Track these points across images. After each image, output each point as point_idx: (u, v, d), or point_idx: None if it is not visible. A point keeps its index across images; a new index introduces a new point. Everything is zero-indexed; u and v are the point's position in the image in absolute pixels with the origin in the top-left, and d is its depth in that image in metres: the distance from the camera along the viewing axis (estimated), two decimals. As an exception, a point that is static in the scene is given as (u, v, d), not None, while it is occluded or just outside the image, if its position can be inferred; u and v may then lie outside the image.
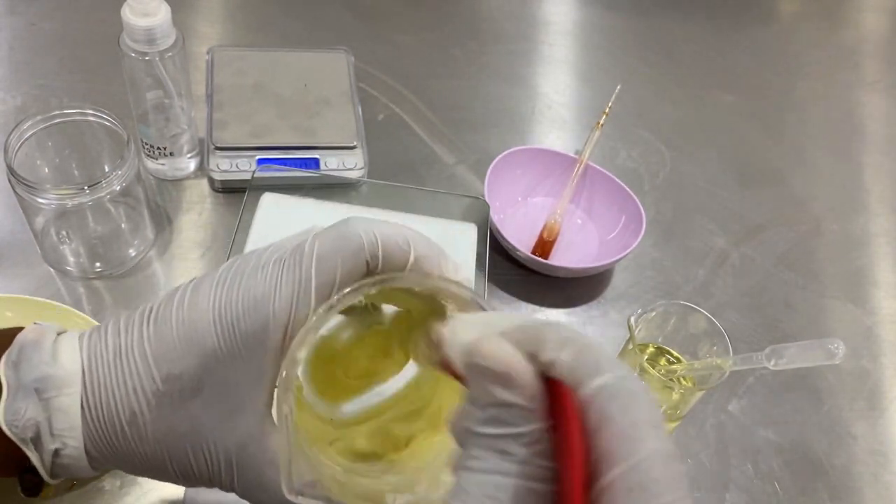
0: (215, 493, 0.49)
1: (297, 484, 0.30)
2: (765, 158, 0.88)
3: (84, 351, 0.33)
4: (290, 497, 0.30)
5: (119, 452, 0.33)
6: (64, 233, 0.62)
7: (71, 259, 0.64)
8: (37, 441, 0.32)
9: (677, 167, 0.84)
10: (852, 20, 1.13)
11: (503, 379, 0.23)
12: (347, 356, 0.38)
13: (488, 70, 0.91)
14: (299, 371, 0.34)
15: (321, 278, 0.32)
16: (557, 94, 0.90)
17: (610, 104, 0.80)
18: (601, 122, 0.79)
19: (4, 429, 0.31)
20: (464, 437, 0.25)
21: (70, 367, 0.32)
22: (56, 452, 0.32)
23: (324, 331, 0.37)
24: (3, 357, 0.33)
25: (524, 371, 0.23)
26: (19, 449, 0.32)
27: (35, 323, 0.34)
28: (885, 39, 1.11)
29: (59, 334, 0.34)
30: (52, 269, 0.64)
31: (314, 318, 0.32)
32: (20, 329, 0.34)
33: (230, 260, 0.34)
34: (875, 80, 1.03)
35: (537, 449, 0.23)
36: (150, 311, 0.33)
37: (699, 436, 0.63)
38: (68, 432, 0.32)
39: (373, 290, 0.32)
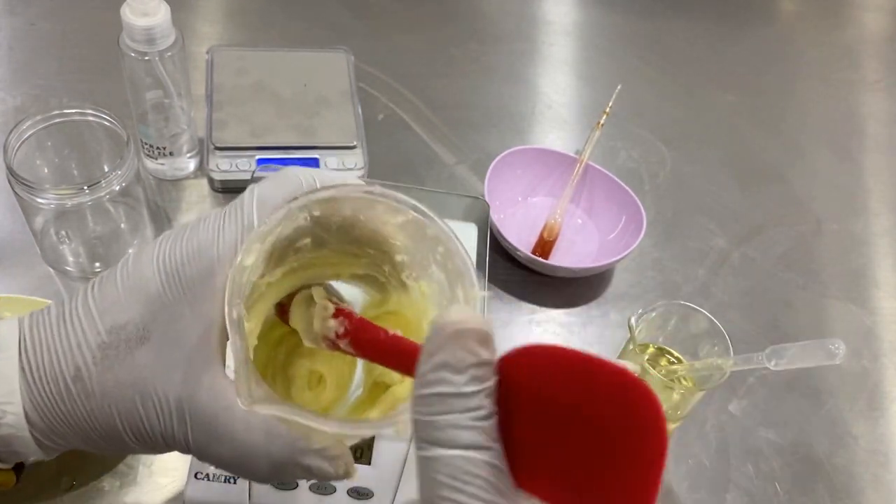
0: (216, 493, 0.49)
1: (255, 393, 0.29)
2: (765, 158, 0.88)
3: (25, 321, 0.32)
4: (246, 405, 0.29)
5: (65, 416, 0.31)
6: (63, 233, 0.62)
7: (70, 259, 0.64)
8: None
9: (677, 167, 0.84)
10: (852, 20, 1.13)
11: (485, 338, 0.25)
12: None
13: (488, 70, 0.91)
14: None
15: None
16: (557, 94, 0.90)
17: (610, 104, 0.80)
18: (601, 121, 0.79)
19: None
20: (428, 404, 0.25)
21: (5, 333, 0.31)
22: None
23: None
24: None
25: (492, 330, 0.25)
26: None
27: None
28: (885, 39, 1.11)
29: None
30: (51, 269, 0.64)
31: (261, 228, 0.32)
32: None
33: None
34: (875, 80, 1.03)
35: (493, 398, 0.25)
36: (95, 280, 0.33)
37: (700, 436, 0.63)
38: (6, 397, 0.31)
39: (316, 203, 0.33)
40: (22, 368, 0.31)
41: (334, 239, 0.37)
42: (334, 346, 0.35)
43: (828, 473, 0.62)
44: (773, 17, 1.11)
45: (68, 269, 0.64)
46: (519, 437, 0.24)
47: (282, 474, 0.33)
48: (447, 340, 0.24)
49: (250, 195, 0.33)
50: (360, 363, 0.42)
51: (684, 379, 0.59)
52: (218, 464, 0.33)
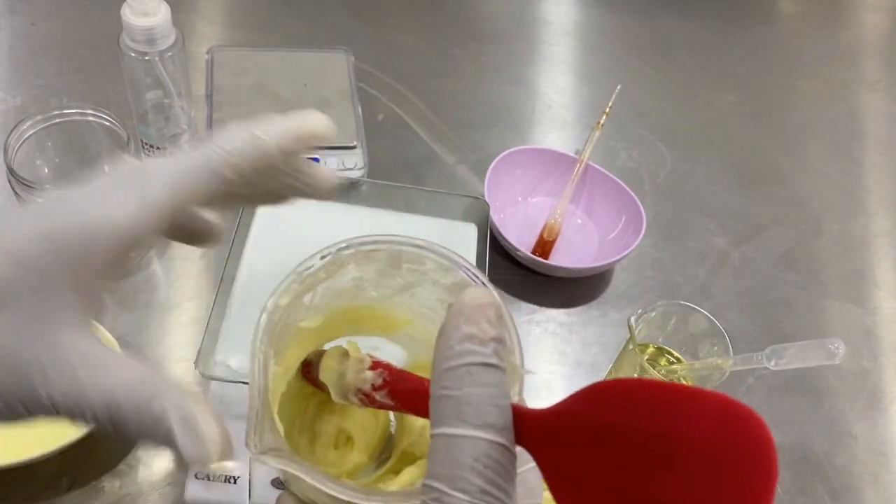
0: (216, 493, 0.49)
1: (265, 442, 0.29)
2: (765, 158, 0.88)
3: None
4: (252, 453, 0.28)
5: None
6: (64, 233, 0.62)
7: (71, 259, 0.64)
8: None
9: (677, 167, 0.84)
10: (852, 20, 1.13)
11: (501, 315, 0.26)
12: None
13: (488, 70, 0.91)
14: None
15: (159, 190, 0.30)
16: (557, 94, 0.90)
17: (610, 104, 0.80)
18: (601, 122, 0.79)
19: None
20: (453, 380, 0.25)
21: None
22: None
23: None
24: None
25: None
26: None
27: None
28: (885, 39, 1.11)
29: None
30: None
31: (302, 269, 0.32)
32: None
33: None
34: (875, 80, 1.03)
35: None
36: None
37: (699, 436, 0.63)
38: None
39: (363, 253, 0.33)
40: None
41: (376, 289, 0.37)
42: (369, 399, 0.34)
43: (827, 473, 0.63)
44: (773, 17, 1.11)
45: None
46: (580, 470, 0.23)
47: (142, 428, 0.29)
48: (473, 312, 0.25)
49: (162, 170, 0.30)
50: (392, 428, 0.41)
51: (684, 379, 0.59)
52: (88, 420, 0.30)
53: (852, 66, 1.04)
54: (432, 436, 0.25)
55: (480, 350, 0.25)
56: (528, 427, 0.25)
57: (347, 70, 0.80)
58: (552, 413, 0.25)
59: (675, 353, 0.61)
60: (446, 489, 0.23)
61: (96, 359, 0.29)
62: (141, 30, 0.60)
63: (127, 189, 0.30)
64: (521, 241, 0.72)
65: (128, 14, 0.60)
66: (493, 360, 0.25)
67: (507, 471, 0.24)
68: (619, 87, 0.81)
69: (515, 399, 0.27)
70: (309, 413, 0.39)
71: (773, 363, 0.53)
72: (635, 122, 0.88)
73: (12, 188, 0.57)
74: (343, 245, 0.33)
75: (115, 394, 0.28)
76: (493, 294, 0.26)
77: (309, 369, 0.37)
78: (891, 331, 0.73)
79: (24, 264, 0.29)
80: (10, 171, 0.55)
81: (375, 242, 0.34)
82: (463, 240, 0.67)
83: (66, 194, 0.30)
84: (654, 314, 0.58)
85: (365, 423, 0.40)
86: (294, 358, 0.37)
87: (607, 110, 0.80)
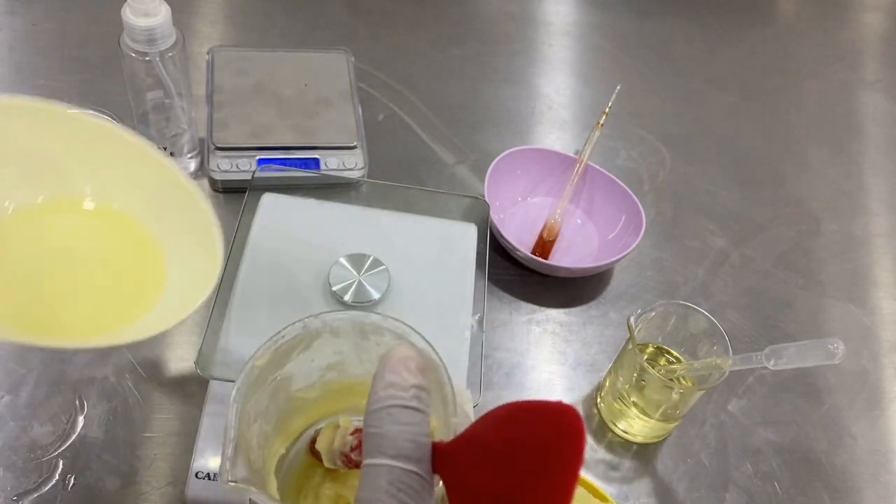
0: (216, 493, 0.49)
1: (237, 473, 0.33)
2: (765, 158, 0.88)
3: None
4: (224, 484, 0.33)
5: None
6: (64, 233, 0.62)
7: (71, 259, 0.64)
8: None
9: (677, 167, 0.85)
10: (852, 20, 1.13)
11: (423, 368, 0.31)
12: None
13: (488, 70, 0.91)
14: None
15: None
16: (557, 95, 0.90)
17: (610, 104, 0.80)
18: (601, 122, 0.79)
19: None
20: (380, 422, 0.30)
21: None
22: None
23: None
24: None
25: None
26: None
27: None
28: (885, 39, 1.11)
29: None
30: (52, 269, 0.64)
31: (276, 337, 0.38)
32: None
33: None
34: (875, 80, 1.03)
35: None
36: None
37: (699, 436, 0.63)
38: None
39: (334, 321, 0.40)
40: None
41: (361, 363, 0.42)
42: (348, 460, 0.39)
43: (827, 473, 0.63)
44: (773, 17, 1.11)
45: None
46: (470, 483, 0.29)
47: None
48: (395, 365, 0.30)
49: None
50: None
51: (683, 378, 0.59)
52: None
53: (852, 66, 1.04)
54: (362, 466, 0.30)
55: (401, 395, 0.30)
56: (441, 457, 0.30)
57: (347, 70, 0.80)
58: (457, 441, 0.30)
59: (675, 353, 0.61)
60: None
61: None
62: (141, 30, 0.60)
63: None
64: (521, 241, 0.72)
65: (128, 14, 0.60)
66: (413, 404, 0.30)
67: (419, 495, 0.29)
68: (618, 87, 0.81)
69: (449, 437, 0.31)
70: (315, 479, 0.44)
71: (772, 363, 0.53)
72: (635, 122, 0.88)
73: (13, 188, 0.57)
74: (313, 316, 0.39)
75: None
76: (415, 350, 0.32)
77: (313, 442, 0.43)
78: (891, 331, 0.74)
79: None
80: (11, 171, 0.55)
81: (338, 317, 0.39)
82: (463, 240, 0.67)
83: None
84: (653, 314, 0.58)
85: None
86: (298, 426, 0.43)
87: (607, 110, 0.80)
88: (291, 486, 0.43)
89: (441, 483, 0.30)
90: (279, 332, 0.38)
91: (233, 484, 0.33)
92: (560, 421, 0.26)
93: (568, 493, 0.25)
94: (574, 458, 0.25)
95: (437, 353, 0.37)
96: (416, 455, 0.29)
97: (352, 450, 0.39)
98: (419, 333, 0.38)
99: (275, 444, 0.42)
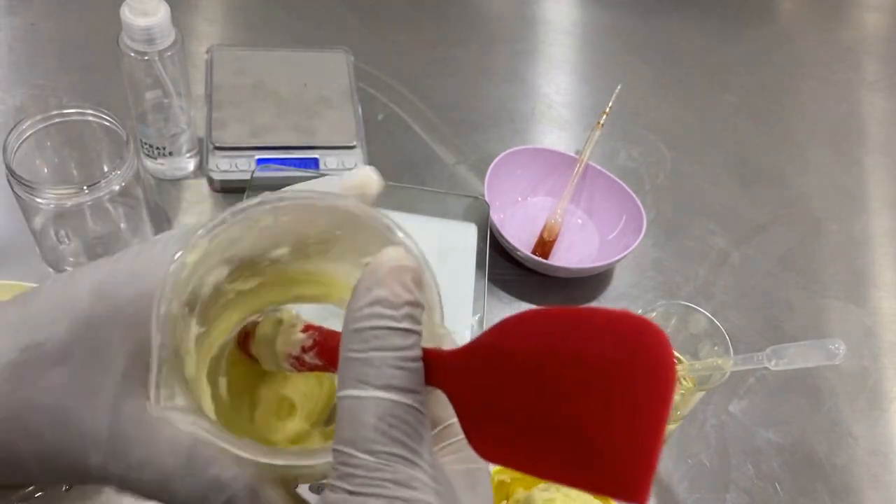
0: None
1: (172, 401, 0.27)
2: (765, 158, 0.88)
3: None
4: (152, 412, 0.27)
5: None
6: (63, 233, 0.62)
7: (70, 259, 0.64)
8: None
9: (677, 167, 0.84)
10: (852, 20, 1.13)
11: (419, 279, 0.25)
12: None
13: (488, 70, 0.91)
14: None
15: None
16: (557, 94, 0.90)
17: (610, 104, 0.80)
18: (601, 121, 0.79)
19: None
20: (359, 343, 0.25)
21: None
22: None
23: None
24: None
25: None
26: None
27: None
28: (885, 39, 1.11)
29: None
30: (51, 270, 0.64)
31: (211, 223, 0.29)
32: None
33: None
34: (875, 80, 1.03)
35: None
36: (21, 294, 0.30)
37: (700, 436, 0.63)
38: None
39: (283, 208, 0.30)
40: None
41: (314, 253, 0.34)
42: (299, 362, 0.32)
43: (827, 473, 0.62)
44: (773, 17, 1.11)
45: (68, 269, 0.64)
46: (490, 402, 0.24)
47: None
48: (386, 275, 0.24)
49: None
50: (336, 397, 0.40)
51: (684, 379, 0.59)
52: (139, 492, 0.29)
53: (852, 66, 1.04)
54: (338, 398, 0.24)
55: (390, 314, 0.24)
56: (442, 368, 0.25)
57: (347, 70, 0.80)
58: (464, 350, 0.25)
59: (676, 354, 0.61)
60: (352, 451, 0.23)
61: (150, 431, 0.28)
62: (140, 29, 0.60)
63: (177, 247, 0.29)
64: (521, 241, 0.71)
65: (127, 14, 0.60)
66: (404, 325, 0.24)
67: (414, 430, 0.24)
68: (619, 87, 0.81)
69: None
70: (250, 381, 0.37)
71: (773, 363, 0.53)
72: (635, 122, 0.88)
73: (11, 188, 0.57)
74: (256, 202, 0.30)
75: (167, 467, 0.28)
76: (410, 256, 0.25)
77: (245, 339, 0.35)
78: (891, 331, 0.73)
79: (79, 319, 0.28)
80: (10, 171, 0.55)
81: (285, 198, 0.31)
82: (463, 240, 0.67)
83: (118, 254, 0.30)
84: (654, 314, 0.58)
85: (308, 391, 0.38)
86: (229, 322, 0.35)
87: (607, 110, 0.80)
88: (228, 386, 0.35)
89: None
90: (214, 218, 0.30)
91: (167, 413, 0.27)
92: (641, 339, 0.21)
93: (658, 431, 0.20)
94: (665, 384, 0.20)
95: (418, 249, 0.31)
96: (408, 384, 0.24)
97: (304, 350, 0.32)
98: (399, 227, 0.32)
99: (209, 349, 0.34)
